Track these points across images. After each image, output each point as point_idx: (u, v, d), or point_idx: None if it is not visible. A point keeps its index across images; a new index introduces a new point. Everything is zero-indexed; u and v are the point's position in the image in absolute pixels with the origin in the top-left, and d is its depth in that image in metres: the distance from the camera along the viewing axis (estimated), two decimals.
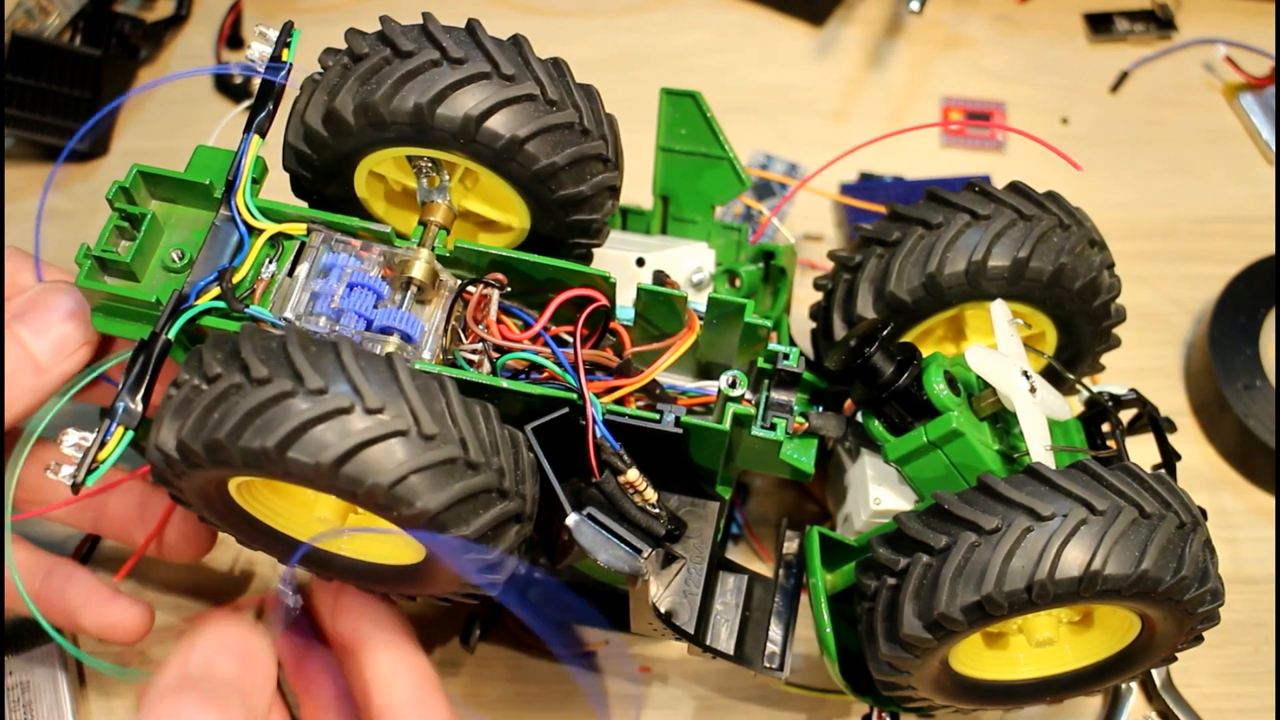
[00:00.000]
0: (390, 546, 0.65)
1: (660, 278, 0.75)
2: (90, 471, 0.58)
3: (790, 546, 0.76)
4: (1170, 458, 0.75)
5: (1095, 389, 0.77)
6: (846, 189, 1.05)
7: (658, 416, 0.65)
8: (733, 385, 0.67)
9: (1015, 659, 0.70)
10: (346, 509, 0.63)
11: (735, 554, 0.89)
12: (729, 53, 1.15)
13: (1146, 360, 0.97)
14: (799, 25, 1.17)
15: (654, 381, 0.68)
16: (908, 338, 0.76)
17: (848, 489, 0.77)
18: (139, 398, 0.60)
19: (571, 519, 0.61)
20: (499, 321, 0.66)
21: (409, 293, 0.65)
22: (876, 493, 0.73)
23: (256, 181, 0.66)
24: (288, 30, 0.67)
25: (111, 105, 0.70)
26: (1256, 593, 0.88)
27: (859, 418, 0.72)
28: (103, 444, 0.59)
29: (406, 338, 0.63)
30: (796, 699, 0.84)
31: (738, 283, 0.82)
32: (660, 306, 0.68)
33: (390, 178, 0.69)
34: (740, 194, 0.83)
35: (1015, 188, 0.73)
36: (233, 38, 1.15)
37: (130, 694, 0.83)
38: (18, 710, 0.80)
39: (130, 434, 0.59)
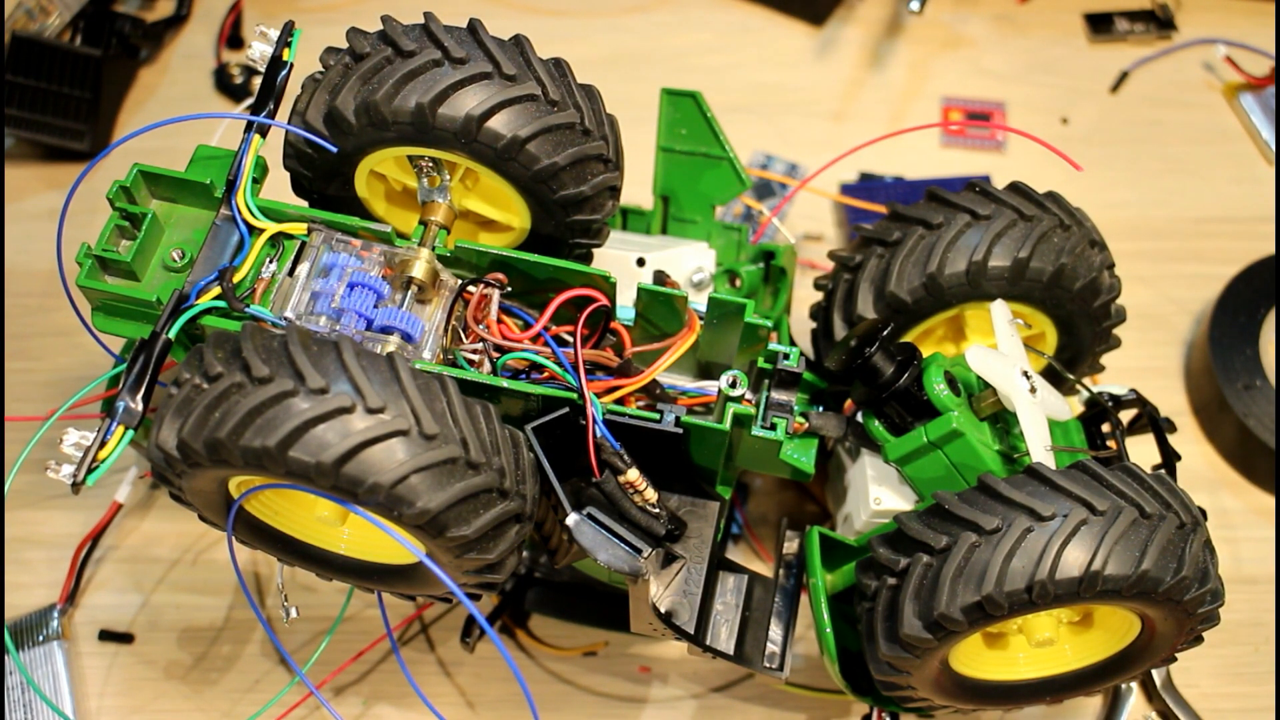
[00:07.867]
0: (389, 545, 0.65)
1: (660, 278, 0.75)
2: (90, 471, 0.58)
3: (790, 546, 0.76)
4: (1170, 458, 0.75)
5: (1095, 389, 0.77)
6: (846, 189, 1.05)
7: (658, 416, 0.65)
8: (733, 385, 0.67)
9: (1015, 659, 0.70)
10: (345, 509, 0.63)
11: (735, 554, 0.89)
12: (729, 53, 1.15)
13: (1146, 360, 0.97)
14: (799, 25, 1.17)
15: (654, 381, 0.68)
16: (908, 338, 0.76)
17: (848, 489, 0.77)
18: (139, 397, 0.60)
19: (571, 519, 0.61)
20: (499, 321, 0.66)
21: (409, 292, 0.65)
22: (876, 493, 0.73)
23: (257, 181, 0.66)
24: (288, 30, 0.67)
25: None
26: (1256, 593, 0.88)
27: (859, 418, 0.72)
28: (103, 443, 0.59)
29: (407, 337, 0.63)
30: (796, 699, 0.84)
31: (738, 283, 0.82)
32: (660, 306, 0.68)
33: (391, 177, 0.69)
34: (740, 194, 0.83)
35: (1015, 188, 0.73)
36: (233, 37, 1.15)
37: (131, 694, 0.83)
38: (18, 710, 0.80)
39: (130, 433, 0.59)
